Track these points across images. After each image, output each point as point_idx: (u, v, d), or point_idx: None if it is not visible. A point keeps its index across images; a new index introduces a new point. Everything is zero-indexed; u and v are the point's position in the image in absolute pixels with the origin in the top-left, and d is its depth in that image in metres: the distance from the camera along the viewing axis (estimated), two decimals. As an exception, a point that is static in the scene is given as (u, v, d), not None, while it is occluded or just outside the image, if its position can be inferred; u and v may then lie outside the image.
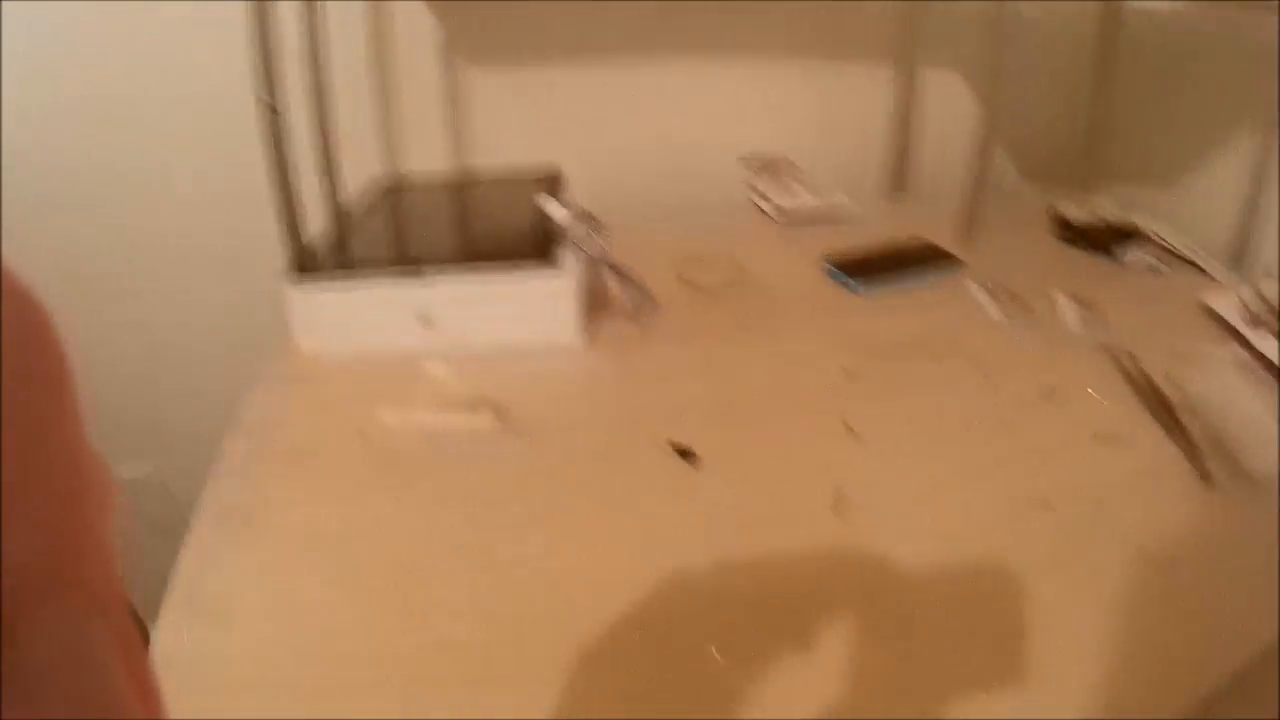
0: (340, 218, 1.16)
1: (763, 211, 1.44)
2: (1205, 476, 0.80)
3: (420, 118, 1.43)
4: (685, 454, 0.84)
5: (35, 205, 1.35)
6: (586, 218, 1.04)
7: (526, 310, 1.01)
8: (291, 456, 0.84)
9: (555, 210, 1.04)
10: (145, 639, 0.58)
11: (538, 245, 1.03)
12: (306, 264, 1.02)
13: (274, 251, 1.28)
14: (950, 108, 1.51)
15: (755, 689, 0.63)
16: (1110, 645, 0.64)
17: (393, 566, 0.72)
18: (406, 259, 1.03)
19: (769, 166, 1.47)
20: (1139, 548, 0.72)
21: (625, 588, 0.70)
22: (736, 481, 0.81)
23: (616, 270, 1.07)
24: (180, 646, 0.63)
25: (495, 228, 1.18)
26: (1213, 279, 1.18)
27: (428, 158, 1.44)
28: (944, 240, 1.27)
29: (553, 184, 1.21)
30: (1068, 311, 1.08)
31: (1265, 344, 0.99)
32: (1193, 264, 1.22)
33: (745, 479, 0.82)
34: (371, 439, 0.86)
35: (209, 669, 0.62)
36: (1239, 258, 1.23)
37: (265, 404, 0.92)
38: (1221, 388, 0.92)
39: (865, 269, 1.18)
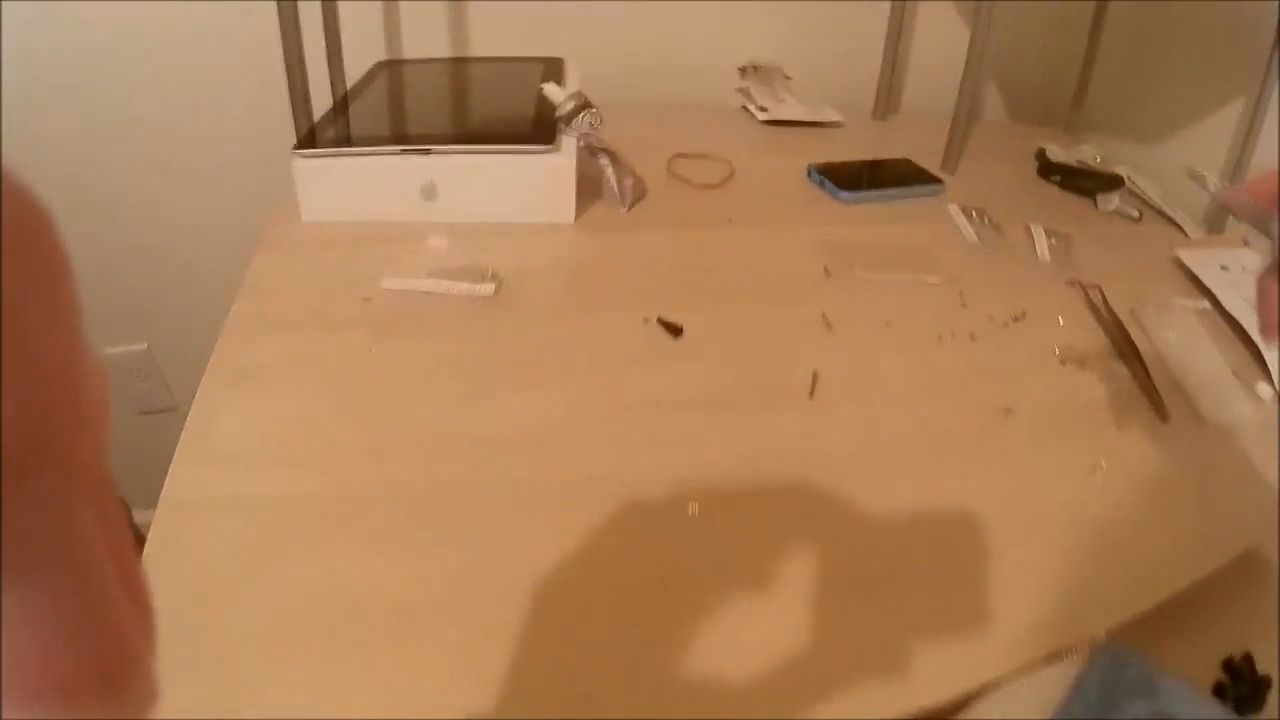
0: (345, 99, 1.14)
1: (752, 116, 1.42)
2: (1161, 414, 0.81)
3: (421, 9, 1.40)
4: (671, 328, 0.85)
5: (35, 91, 1.30)
6: (585, 104, 1.02)
7: (525, 188, 1.01)
8: (296, 317, 0.84)
9: (555, 94, 1.03)
10: (140, 541, 0.59)
11: (537, 127, 1.04)
12: (312, 138, 1.01)
13: (269, 134, 1.24)
14: (944, 38, 1.49)
15: (727, 545, 0.63)
16: (1055, 549, 0.65)
17: (392, 414, 0.73)
18: (410, 136, 1.03)
19: (762, 74, 1.45)
20: (1093, 464, 0.73)
21: (605, 443, 0.72)
22: (718, 358, 0.81)
23: (611, 157, 1.07)
24: (192, 489, 0.64)
25: (496, 109, 1.18)
26: (1186, 236, 1.19)
27: (429, 49, 1.42)
28: (927, 164, 1.26)
29: (553, 70, 1.21)
30: (1042, 243, 1.08)
31: (1233, 302, 1.00)
32: (1169, 219, 1.22)
33: (727, 357, 0.83)
34: (374, 302, 0.87)
35: (221, 510, 0.62)
36: (1215, 220, 1.23)
37: (269, 270, 0.92)
38: (1184, 337, 0.93)
39: (849, 179, 1.17)
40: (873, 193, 1.15)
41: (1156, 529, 0.69)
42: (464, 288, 0.89)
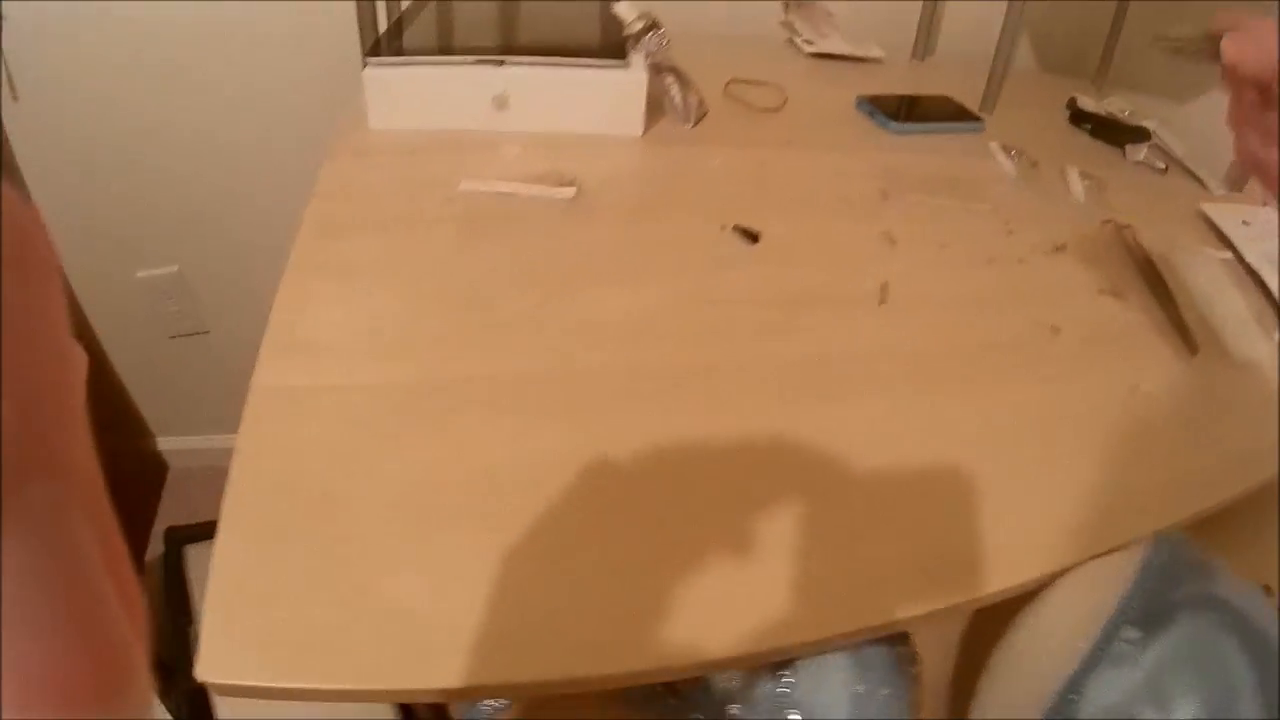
0: (413, 10, 1.14)
1: (799, 49, 1.44)
2: (1191, 346, 0.85)
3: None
4: (748, 234, 0.88)
5: (71, 12, 1.24)
6: (653, 24, 1.04)
7: (596, 101, 1.03)
8: (375, 216, 0.85)
9: (625, 13, 1.05)
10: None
11: (606, 44, 1.06)
12: (382, 46, 1.02)
13: (303, 57, 1.26)
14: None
15: (810, 432, 0.67)
16: (1099, 456, 0.70)
17: (480, 308, 0.74)
18: (481, 47, 1.03)
19: (805, 9, 1.46)
20: (1132, 385, 0.78)
21: (691, 336, 0.75)
22: (793, 263, 0.85)
23: (676, 75, 1.09)
24: (282, 377, 0.65)
25: (565, 26, 1.18)
26: (1209, 191, 1.23)
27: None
28: (965, 105, 1.29)
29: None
30: (1076, 184, 1.12)
31: (1254, 255, 1.04)
32: (1193, 175, 1.26)
33: (801, 263, 0.86)
34: (455, 203, 0.88)
35: (312, 399, 0.64)
36: (1237, 179, 1.27)
37: (339, 175, 0.92)
38: (1211, 280, 0.97)
39: (896, 111, 1.20)
40: (919, 125, 1.18)
41: (1190, 449, 0.73)
42: (544, 191, 0.91)
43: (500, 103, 1.01)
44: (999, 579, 0.59)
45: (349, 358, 0.68)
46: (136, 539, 0.51)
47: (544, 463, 0.61)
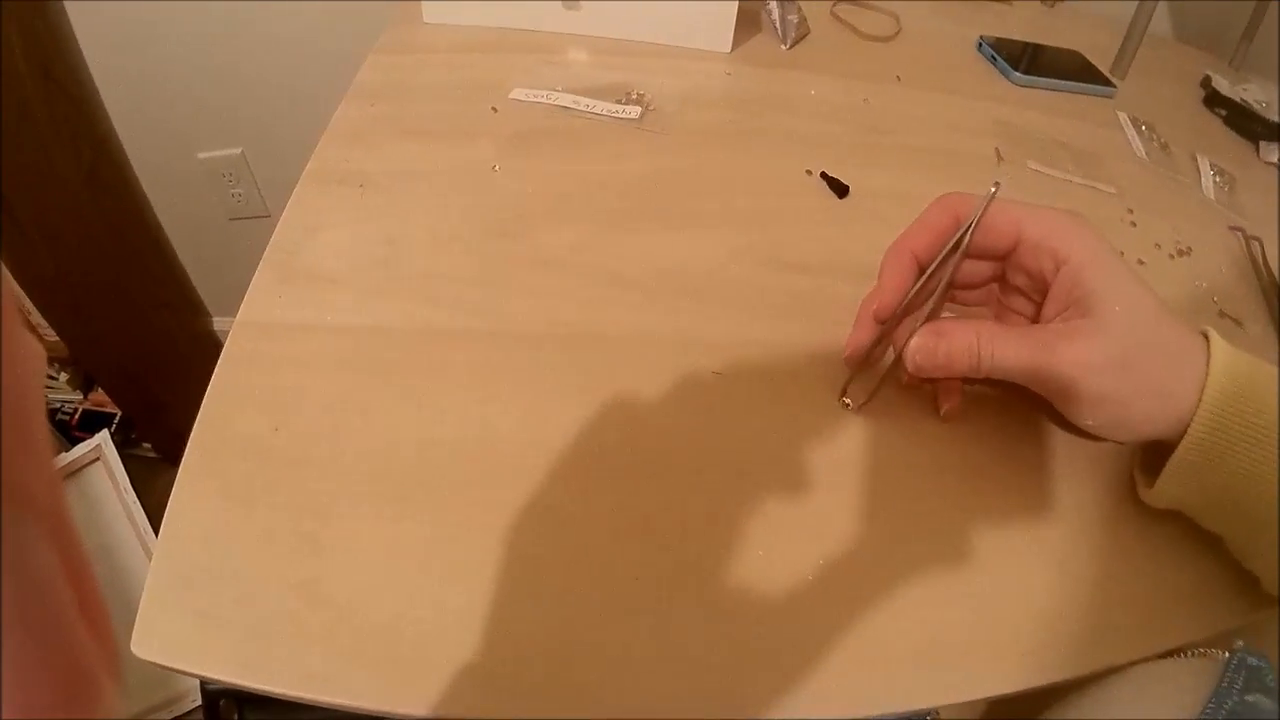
0: None
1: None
2: None
3: None
4: (836, 185, 0.71)
5: None
6: None
7: (682, 7, 0.85)
8: (410, 123, 0.71)
9: None
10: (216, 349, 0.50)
11: None
12: None
13: None
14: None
15: (875, 429, 0.54)
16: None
17: (513, 242, 0.62)
18: None
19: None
20: None
21: (749, 304, 0.60)
22: (885, 226, 0.68)
23: (775, -14, 0.90)
24: (275, 311, 0.54)
25: None
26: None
27: None
28: (1095, 64, 1.10)
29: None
30: (1208, 176, 0.93)
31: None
32: (1325, 187, 1.08)
33: (894, 227, 0.68)
34: (502, 112, 0.73)
35: (306, 339, 0.52)
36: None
37: (382, 71, 0.77)
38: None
39: (1020, 59, 1.00)
40: (1044, 79, 0.98)
41: None
42: (605, 107, 0.75)
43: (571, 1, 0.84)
44: (1039, 671, 0.46)
45: (349, 293, 0.55)
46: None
47: (547, 444, 0.49)
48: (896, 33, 1.02)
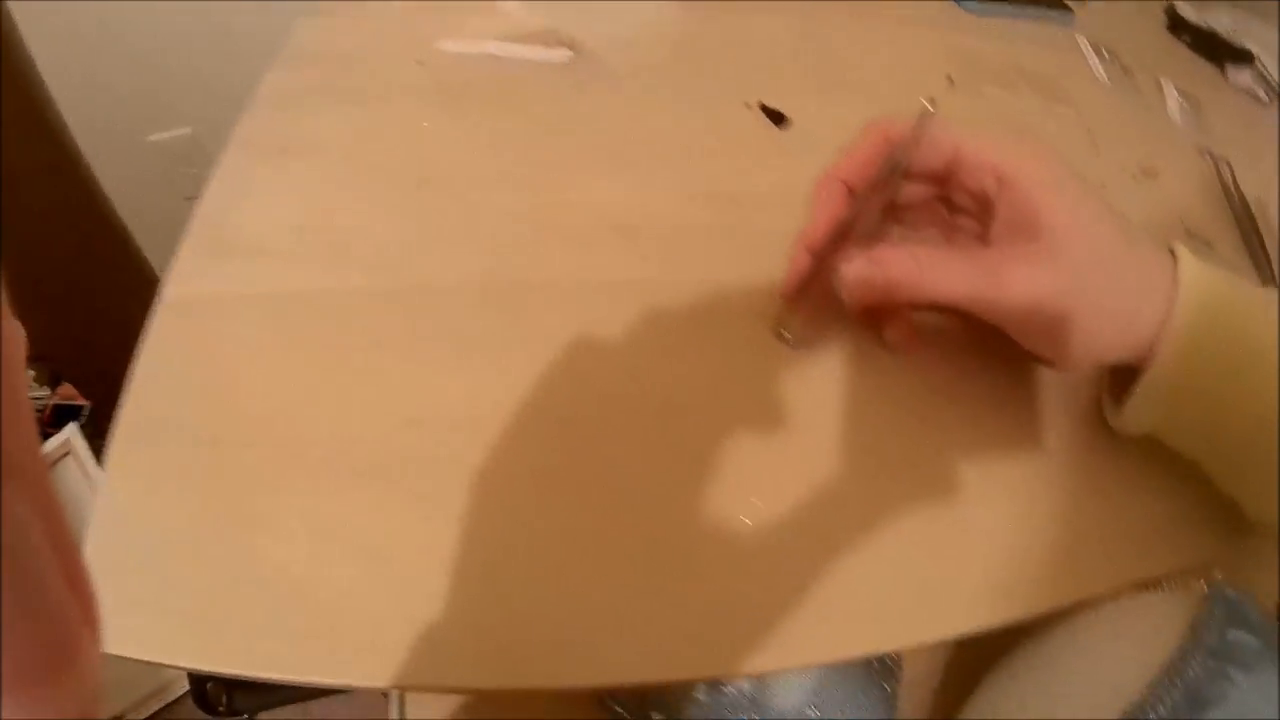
0: None
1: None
2: None
3: None
4: (774, 116, 0.67)
5: None
6: None
7: None
8: (338, 86, 0.67)
9: None
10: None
11: None
12: None
13: None
14: None
15: (819, 364, 0.51)
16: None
17: (441, 198, 0.58)
18: None
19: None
20: None
21: (691, 243, 0.57)
22: (825, 155, 0.65)
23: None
24: (201, 284, 0.51)
25: None
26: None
27: None
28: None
29: None
30: (1173, 99, 0.89)
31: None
32: (1294, 111, 1.04)
33: (833, 149, 0.64)
34: (429, 68, 0.69)
35: (233, 311, 0.50)
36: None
37: (313, 33, 0.74)
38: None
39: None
40: (1000, 5, 0.94)
41: None
42: (535, 53, 0.71)
43: None
44: (1013, 606, 0.43)
45: (276, 262, 0.52)
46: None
47: (481, 402, 0.46)
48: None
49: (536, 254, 0.55)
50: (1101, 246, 0.43)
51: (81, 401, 1.52)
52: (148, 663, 0.37)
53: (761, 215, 0.59)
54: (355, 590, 0.39)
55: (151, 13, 1.24)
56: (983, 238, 0.48)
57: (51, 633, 0.16)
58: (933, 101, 0.45)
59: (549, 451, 0.45)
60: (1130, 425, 0.46)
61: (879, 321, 0.51)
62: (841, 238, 0.46)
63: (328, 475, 0.43)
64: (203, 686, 1.00)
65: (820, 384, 0.50)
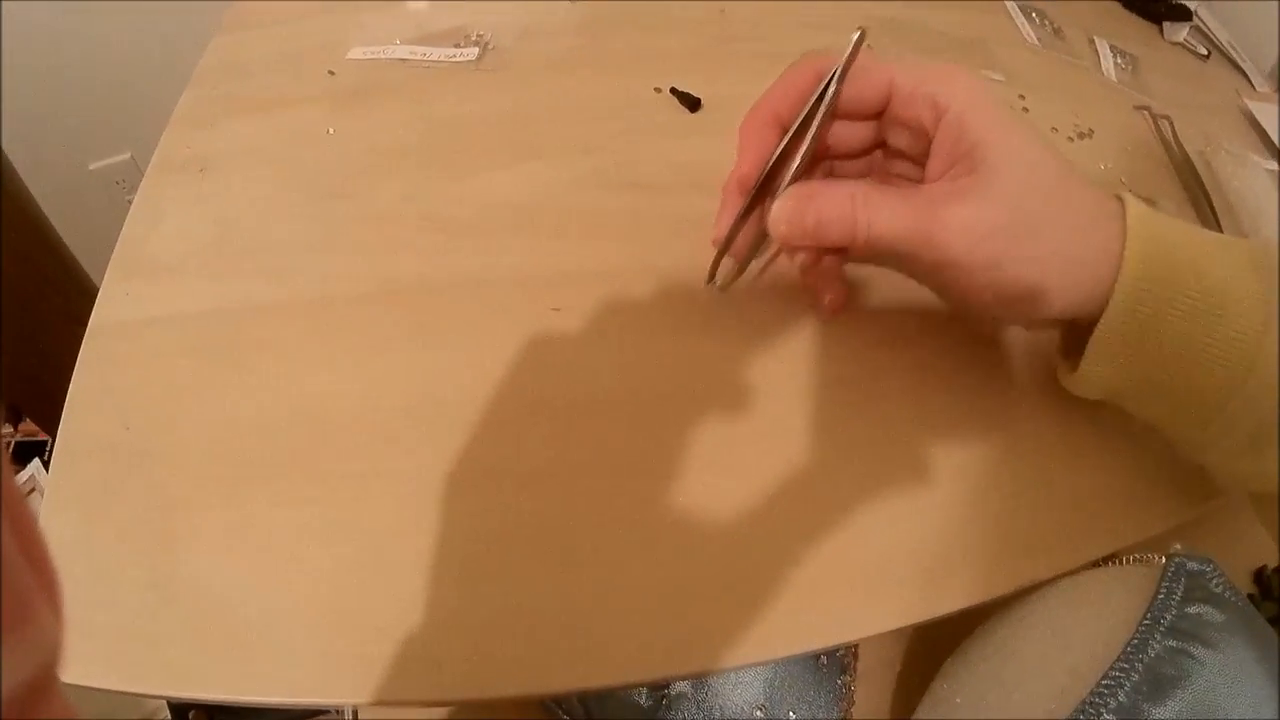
0: None
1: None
2: None
3: None
4: (686, 99, 0.64)
5: None
6: None
7: None
8: (251, 101, 0.66)
9: None
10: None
11: None
12: None
13: None
14: None
15: (741, 349, 0.48)
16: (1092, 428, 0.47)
17: (353, 204, 0.57)
18: None
19: None
20: None
21: (598, 230, 0.55)
22: (735, 129, 0.61)
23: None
24: (126, 309, 0.51)
25: None
26: (1253, 87, 0.96)
27: None
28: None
29: None
30: (1107, 58, 0.85)
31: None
32: (1236, 66, 0.99)
33: None
34: (340, 76, 0.67)
35: (159, 331, 0.50)
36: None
37: (226, 51, 0.72)
38: (1258, 195, 0.72)
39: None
40: (921, -25, 0.90)
41: None
42: (442, 53, 0.68)
43: None
44: (966, 591, 0.41)
45: (191, 280, 0.52)
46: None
47: (411, 391, 0.46)
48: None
49: (448, 253, 0.53)
50: (1043, 179, 0.38)
51: (44, 437, 1.48)
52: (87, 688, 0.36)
53: (674, 199, 0.57)
54: (286, 604, 0.39)
55: (84, 39, 1.21)
56: (919, 183, 0.43)
57: (10, 600, 0.15)
58: (864, 33, 0.40)
59: (477, 456, 0.43)
60: (1085, 385, 0.41)
61: (814, 283, 0.47)
62: (772, 176, 0.42)
63: (257, 489, 0.42)
64: (184, 715, 0.97)
65: (736, 370, 0.47)
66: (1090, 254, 0.38)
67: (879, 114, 0.43)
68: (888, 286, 0.51)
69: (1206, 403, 0.37)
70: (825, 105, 0.40)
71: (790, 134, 0.42)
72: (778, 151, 0.42)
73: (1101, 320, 0.38)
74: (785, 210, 0.40)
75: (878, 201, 0.38)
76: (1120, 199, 0.39)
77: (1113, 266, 0.37)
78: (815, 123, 0.41)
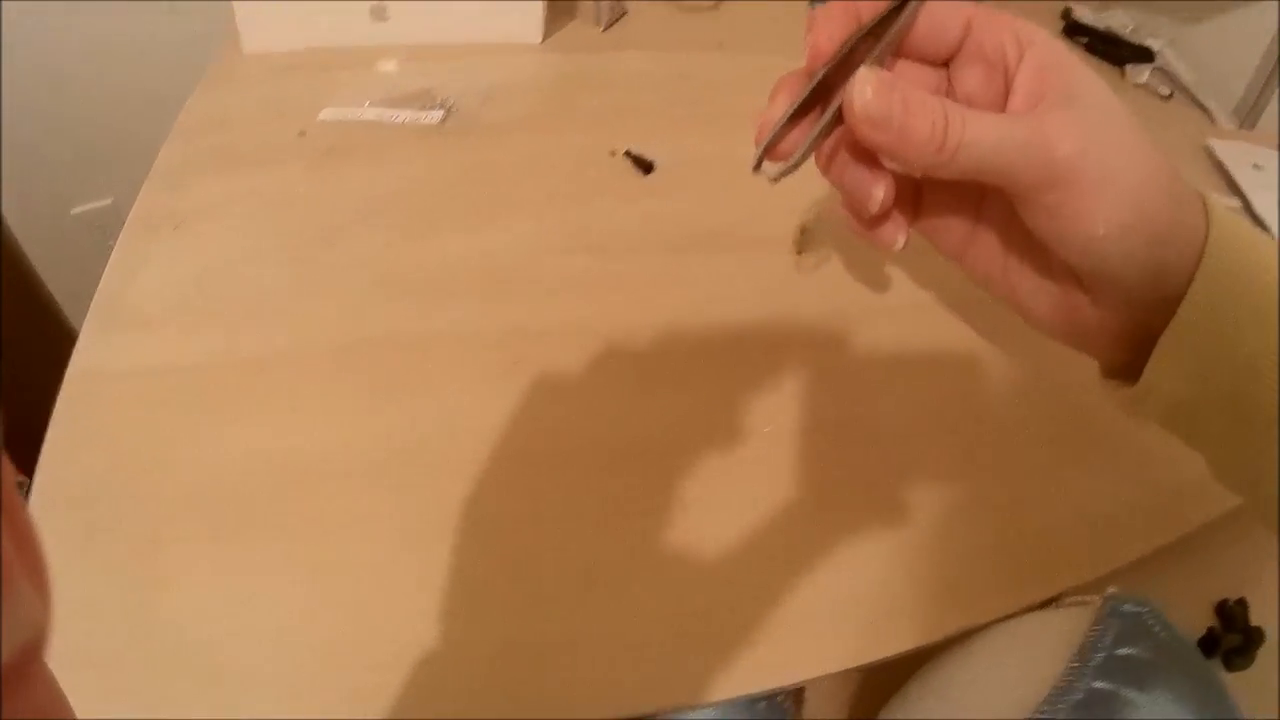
0: None
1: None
2: None
3: None
4: (640, 163, 0.66)
5: None
6: None
7: (486, 4, 0.79)
8: (226, 158, 0.67)
9: None
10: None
11: None
12: None
13: None
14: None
15: (699, 403, 0.50)
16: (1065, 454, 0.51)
17: (323, 262, 0.59)
18: None
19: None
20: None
21: (559, 289, 0.57)
22: (694, 197, 0.64)
23: (586, -30, 0.83)
24: (105, 358, 0.52)
25: None
26: (1215, 124, 0.97)
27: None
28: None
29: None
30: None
31: (1264, 204, 0.79)
32: (1199, 104, 1.00)
33: (704, 197, 0.65)
34: (311, 137, 0.69)
35: (137, 381, 0.51)
36: (1248, 113, 1.00)
37: (203, 108, 0.74)
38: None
39: (860, 12, 0.92)
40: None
41: (1173, 451, 0.52)
42: (408, 116, 0.70)
43: (378, 13, 0.77)
44: (908, 635, 0.43)
45: (168, 331, 0.54)
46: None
47: (385, 444, 0.48)
48: (719, 2, 0.93)
49: (413, 310, 0.55)
50: (1141, 147, 0.33)
51: (22, 478, 1.47)
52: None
53: (626, 260, 0.58)
54: (263, 644, 0.40)
55: (68, 84, 1.22)
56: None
57: None
58: None
59: (444, 502, 0.45)
60: (1148, 400, 0.36)
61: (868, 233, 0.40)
62: (845, 64, 0.36)
63: (234, 535, 0.43)
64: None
65: (683, 424, 0.49)
66: (1177, 236, 0.33)
67: (947, 61, 0.37)
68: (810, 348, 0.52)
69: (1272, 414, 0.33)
70: (907, 11, 0.35)
71: (862, 34, 0.36)
72: (847, 48, 0.36)
73: (1180, 307, 0.33)
74: (873, 93, 0.32)
75: (974, 113, 0.33)
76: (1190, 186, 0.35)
77: (1192, 258, 0.33)
78: (893, 28, 0.35)
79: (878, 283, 0.59)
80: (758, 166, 0.39)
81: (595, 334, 0.53)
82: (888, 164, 0.35)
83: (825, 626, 0.42)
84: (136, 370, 0.51)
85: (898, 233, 0.38)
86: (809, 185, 0.64)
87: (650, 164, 0.65)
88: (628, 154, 0.65)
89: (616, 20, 0.85)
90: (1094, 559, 0.46)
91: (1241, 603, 0.58)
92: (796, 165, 0.37)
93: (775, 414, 0.50)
